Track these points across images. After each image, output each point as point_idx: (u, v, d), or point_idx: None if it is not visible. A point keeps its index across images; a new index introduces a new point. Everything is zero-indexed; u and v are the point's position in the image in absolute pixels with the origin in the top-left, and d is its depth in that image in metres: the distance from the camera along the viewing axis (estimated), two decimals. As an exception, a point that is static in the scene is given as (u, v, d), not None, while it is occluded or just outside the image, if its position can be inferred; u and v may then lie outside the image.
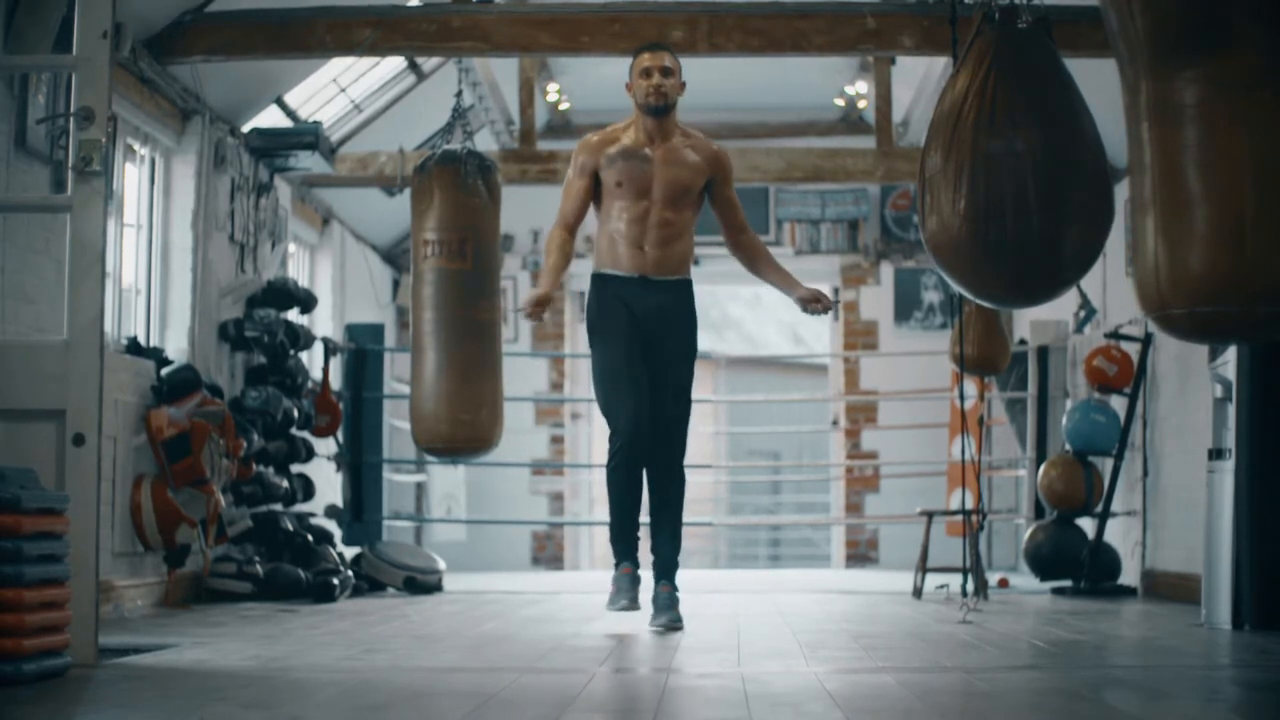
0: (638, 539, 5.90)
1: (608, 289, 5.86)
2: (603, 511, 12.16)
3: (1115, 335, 8.65)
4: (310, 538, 8.18)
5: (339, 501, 9.47)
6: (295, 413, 8.36)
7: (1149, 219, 3.99)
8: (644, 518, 5.95)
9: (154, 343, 7.53)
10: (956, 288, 5.01)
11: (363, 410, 9.58)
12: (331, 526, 9.07)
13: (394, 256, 12.19)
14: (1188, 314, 3.94)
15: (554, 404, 12.45)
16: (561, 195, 6.00)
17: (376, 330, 9.96)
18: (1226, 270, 3.86)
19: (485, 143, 10.31)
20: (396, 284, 12.18)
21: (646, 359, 5.82)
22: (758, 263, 6.06)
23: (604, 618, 6.08)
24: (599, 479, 12.68)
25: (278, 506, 8.21)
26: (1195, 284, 3.90)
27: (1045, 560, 8.64)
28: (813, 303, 5.83)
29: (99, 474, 4.38)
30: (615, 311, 5.82)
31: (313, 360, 9.10)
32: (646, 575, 5.89)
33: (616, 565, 5.87)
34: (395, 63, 9.56)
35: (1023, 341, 10.29)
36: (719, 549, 18.02)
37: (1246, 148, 3.84)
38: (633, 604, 5.74)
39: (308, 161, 8.61)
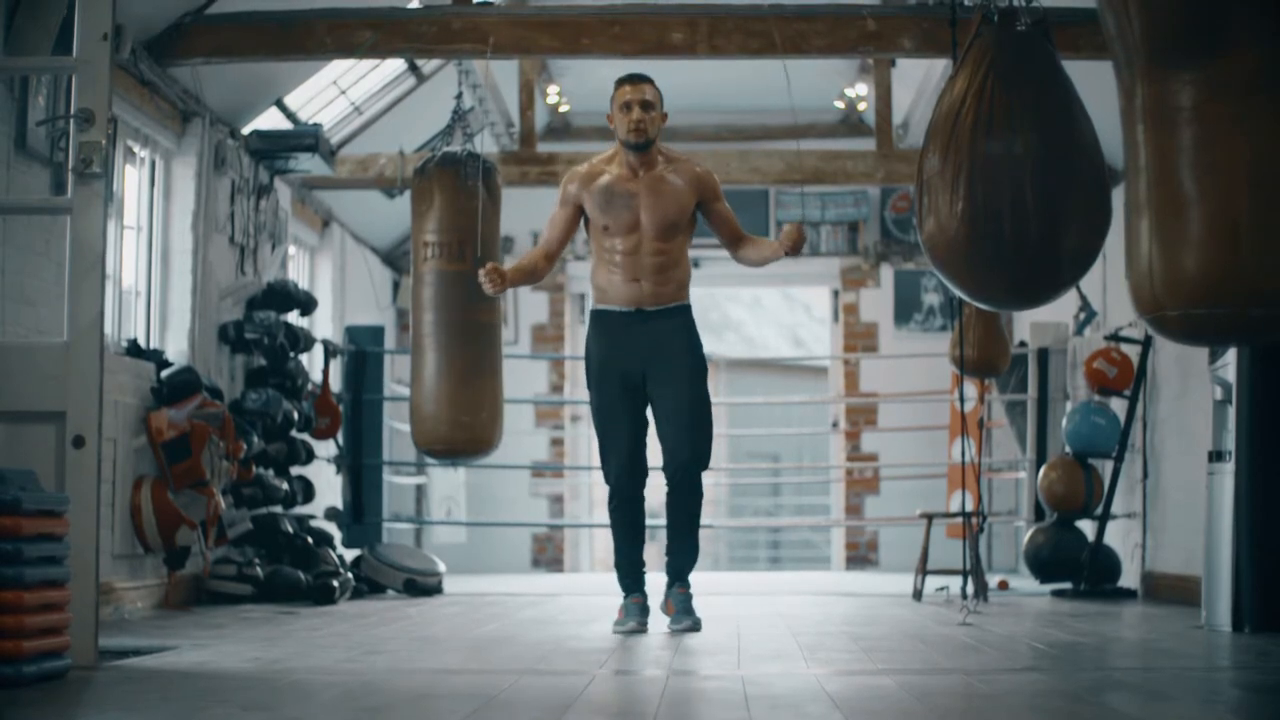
0: (643, 571, 5.94)
1: (605, 327, 5.89)
2: (602, 514, 12.16)
3: (1115, 337, 8.65)
4: (310, 540, 8.18)
5: (339, 503, 9.47)
6: (295, 415, 8.36)
7: (1144, 221, 4.00)
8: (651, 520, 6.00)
9: (154, 345, 7.53)
10: (954, 290, 5.01)
11: (363, 412, 9.58)
12: (331, 529, 9.07)
13: (394, 258, 12.19)
14: (1182, 315, 3.94)
15: (554, 406, 12.45)
16: (546, 224, 6.01)
17: (376, 332, 9.96)
18: (1221, 272, 3.86)
19: (485, 145, 10.31)
20: (396, 286, 12.18)
21: (654, 386, 5.83)
22: (754, 253, 5.99)
23: (604, 619, 6.09)
24: (599, 480, 12.66)
25: (278, 509, 8.21)
26: (1190, 286, 3.90)
27: (1045, 562, 8.64)
28: (790, 242, 5.61)
29: (99, 476, 4.38)
30: (612, 351, 5.85)
31: (313, 362, 9.10)
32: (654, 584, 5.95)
33: (625, 595, 5.90)
34: (395, 65, 9.56)
35: (1023, 344, 10.29)
36: (719, 551, 18.02)
37: (1242, 150, 3.84)
38: (641, 627, 5.78)
39: (308, 163, 8.61)
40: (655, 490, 5.99)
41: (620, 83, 5.87)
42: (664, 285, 5.85)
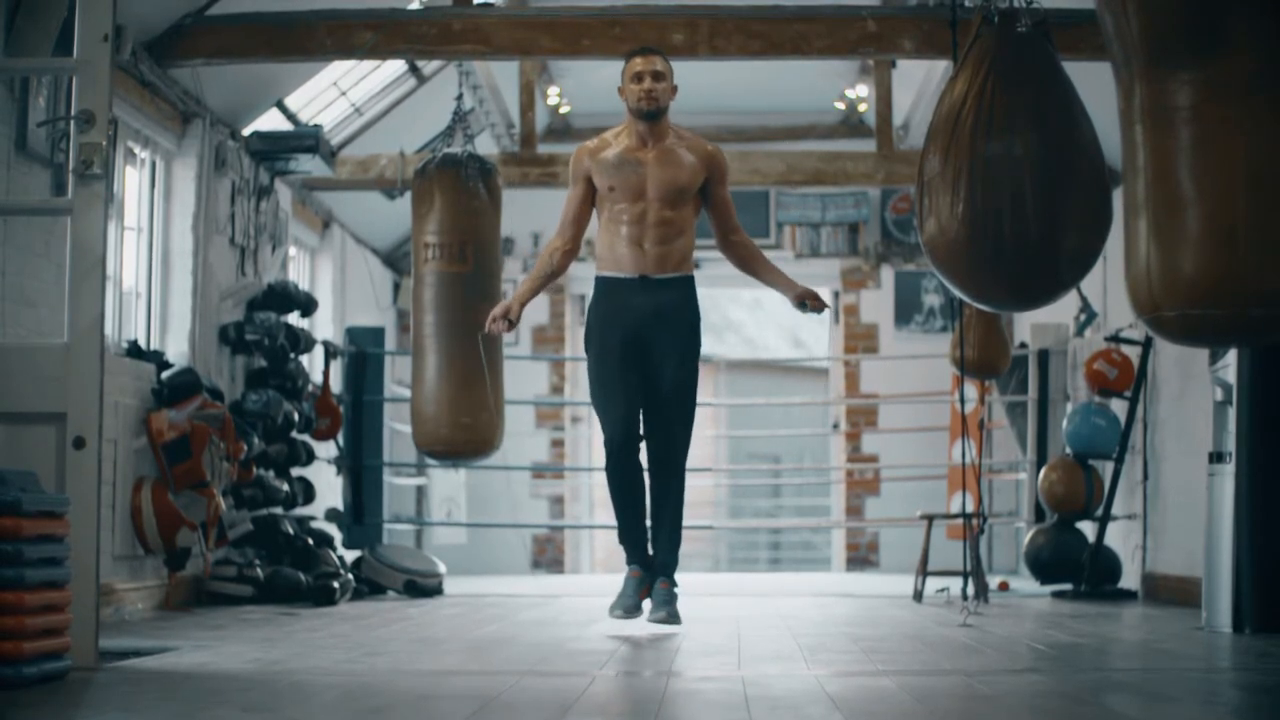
0: (646, 540, 5.94)
1: (608, 293, 5.90)
2: (603, 515, 12.15)
3: (1116, 338, 8.65)
4: (310, 541, 8.18)
5: (339, 505, 9.47)
6: (296, 416, 8.36)
7: (1142, 221, 4.00)
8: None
9: (154, 346, 7.53)
10: (954, 291, 5.01)
11: (363, 413, 9.58)
12: (332, 530, 9.07)
13: (394, 259, 12.19)
14: (1179, 316, 3.94)
15: (554, 407, 12.45)
16: (562, 210, 6.04)
17: (377, 333, 9.96)
18: (1219, 273, 3.86)
19: (486, 146, 10.32)
20: (397, 287, 12.18)
21: (648, 357, 5.85)
22: (752, 263, 6.05)
23: (604, 621, 6.09)
24: (599, 482, 12.66)
25: (278, 510, 8.21)
26: (1187, 286, 3.90)
27: (1045, 563, 8.64)
28: (811, 300, 5.81)
29: (99, 477, 4.38)
30: (612, 318, 5.87)
31: (313, 363, 9.10)
32: None
33: (628, 564, 5.94)
34: (396, 66, 9.56)
35: (1023, 345, 10.29)
36: (719, 552, 18.02)
37: (1239, 151, 3.84)
38: (631, 611, 5.78)
39: (308, 164, 8.61)
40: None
41: (631, 55, 5.92)
42: (668, 253, 5.87)
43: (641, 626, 5.86)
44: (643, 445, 5.92)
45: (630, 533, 5.93)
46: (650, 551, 5.94)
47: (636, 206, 5.85)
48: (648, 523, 5.95)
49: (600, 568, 12.65)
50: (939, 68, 9.62)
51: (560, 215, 6.02)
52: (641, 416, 5.88)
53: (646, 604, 5.88)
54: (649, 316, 5.84)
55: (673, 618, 5.78)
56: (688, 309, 5.91)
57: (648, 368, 5.86)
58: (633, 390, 5.85)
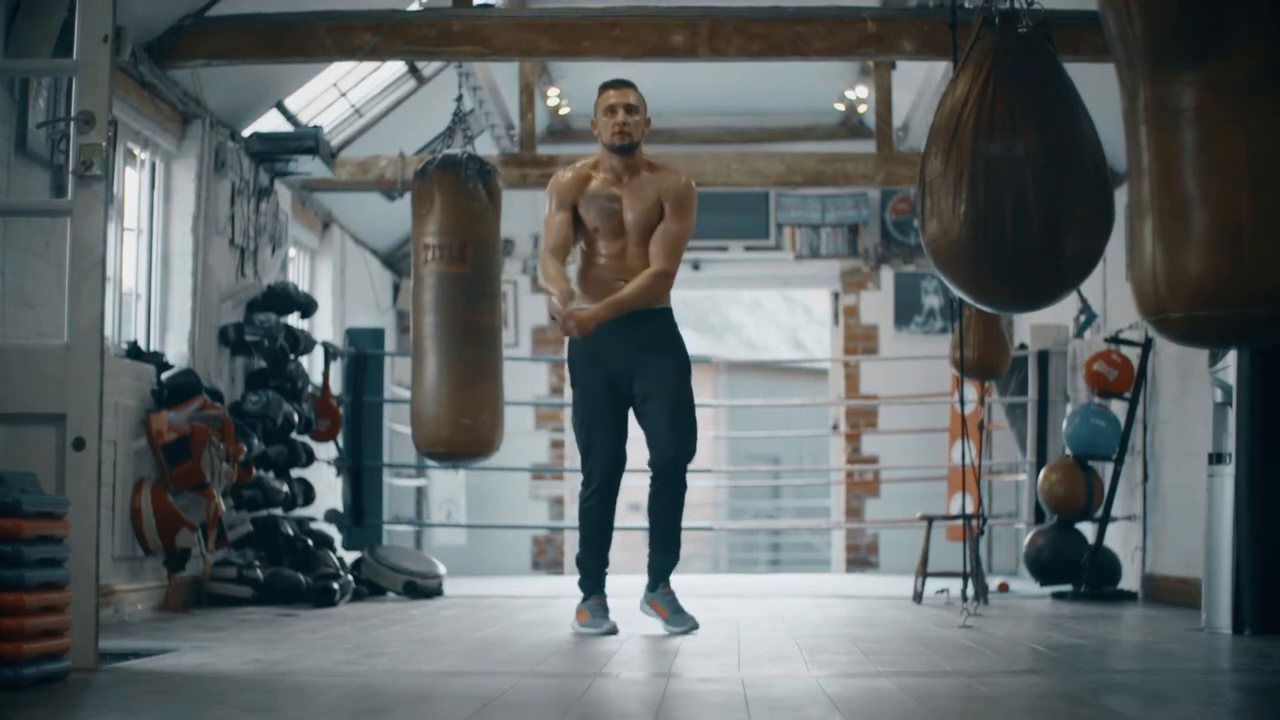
0: (607, 572, 5.98)
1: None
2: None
3: (1115, 340, 8.65)
4: (310, 542, 8.18)
5: (339, 506, 9.47)
6: (295, 417, 8.36)
7: (1147, 223, 3.99)
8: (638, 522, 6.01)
9: (154, 347, 7.53)
10: (956, 292, 5.01)
11: (363, 414, 9.58)
12: (332, 531, 9.07)
13: (394, 261, 12.20)
14: (1185, 317, 3.94)
15: (554, 408, 12.45)
16: (544, 229, 6.01)
17: (377, 334, 9.96)
18: (1224, 274, 3.86)
19: (485, 147, 10.32)
20: (397, 288, 12.19)
21: (639, 388, 5.84)
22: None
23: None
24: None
25: (278, 511, 8.21)
26: (1193, 287, 3.90)
27: (1045, 565, 8.64)
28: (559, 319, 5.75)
29: (99, 478, 4.38)
30: (598, 354, 5.86)
31: (313, 364, 9.10)
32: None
33: (585, 598, 5.91)
34: (396, 67, 9.57)
35: (1023, 346, 10.30)
36: (719, 553, 18.02)
37: (1244, 151, 3.84)
38: (614, 629, 5.79)
39: (308, 166, 8.61)
40: (640, 490, 6.01)
41: (604, 87, 5.91)
42: None
43: (639, 628, 5.86)
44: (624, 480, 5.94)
45: (597, 566, 5.93)
46: (628, 568, 5.97)
47: (615, 244, 5.88)
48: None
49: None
50: (939, 69, 9.62)
51: (545, 239, 5.94)
52: (635, 447, 5.89)
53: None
54: (635, 351, 5.84)
55: (696, 625, 5.82)
56: (671, 337, 5.92)
57: (642, 395, 5.84)
58: (619, 429, 5.88)
